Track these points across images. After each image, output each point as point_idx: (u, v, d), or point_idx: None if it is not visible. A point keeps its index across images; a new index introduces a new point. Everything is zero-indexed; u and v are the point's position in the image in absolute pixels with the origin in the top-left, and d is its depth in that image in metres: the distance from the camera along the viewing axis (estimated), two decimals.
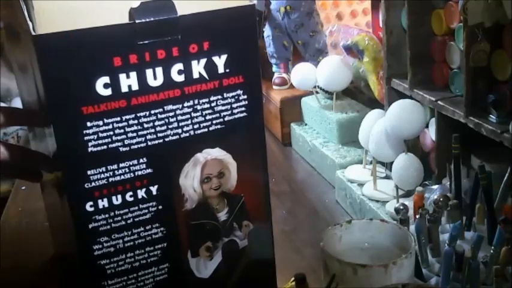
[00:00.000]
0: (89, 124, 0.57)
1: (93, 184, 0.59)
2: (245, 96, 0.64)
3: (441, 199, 0.77)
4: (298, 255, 0.92)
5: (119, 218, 0.61)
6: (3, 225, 1.05)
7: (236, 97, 0.64)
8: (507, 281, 0.63)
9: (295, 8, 1.37)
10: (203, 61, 0.61)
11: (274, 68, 1.46)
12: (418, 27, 0.93)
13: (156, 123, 0.60)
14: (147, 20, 0.57)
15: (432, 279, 0.70)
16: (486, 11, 0.76)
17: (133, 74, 0.58)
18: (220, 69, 0.62)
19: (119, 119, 0.59)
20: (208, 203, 0.66)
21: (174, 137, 0.62)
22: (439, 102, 0.88)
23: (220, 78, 0.62)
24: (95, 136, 0.58)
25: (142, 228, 0.63)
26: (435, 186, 0.86)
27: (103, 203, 0.60)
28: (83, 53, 0.55)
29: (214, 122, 0.63)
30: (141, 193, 0.62)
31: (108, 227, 0.61)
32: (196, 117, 0.62)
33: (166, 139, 0.61)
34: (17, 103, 1.52)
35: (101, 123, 0.58)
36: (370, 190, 1.00)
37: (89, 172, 0.59)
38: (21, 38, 0.63)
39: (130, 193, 0.61)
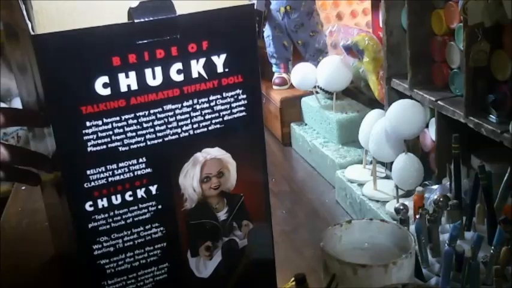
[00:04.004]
0: (88, 124, 0.57)
1: (92, 184, 0.59)
2: (244, 96, 0.64)
3: (441, 199, 0.77)
4: (298, 255, 0.92)
5: (119, 218, 0.61)
6: (3, 225, 1.05)
7: (235, 96, 0.64)
8: (507, 281, 0.63)
9: (295, 8, 1.37)
10: (202, 60, 0.61)
11: (274, 68, 1.46)
12: (418, 27, 0.93)
13: (156, 122, 0.60)
14: (146, 19, 0.57)
15: (432, 279, 0.70)
16: (486, 11, 0.76)
17: (132, 74, 0.58)
18: (220, 69, 0.62)
19: (118, 118, 0.58)
20: (208, 202, 0.66)
21: (174, 137, 0.62)
22: (439, 102, 0.88)
23: (220, 77, 0.62)
24: (94, 136, 0.58)
25: (142, 228, 0.63)
26: (435, 186, 0.85)
27: (102, 203, 0.60)
28: (82, 52, 0.55)
29: (213, 121, 0.63)
30: (140, 193, 0.62)
31: (108, 226, 0.61)
32: (196, 116, 0.62)
33: (166, 139, 0.61)
34: (17, 103, 1.52)
35: (100, 122, 0.58)
36: (370, 190, 1.00)
37: (88, 172, 0.59)
38: (20, 37, 0.63)
39: (130, 193, 0.61)
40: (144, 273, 0.64)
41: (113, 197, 0.61)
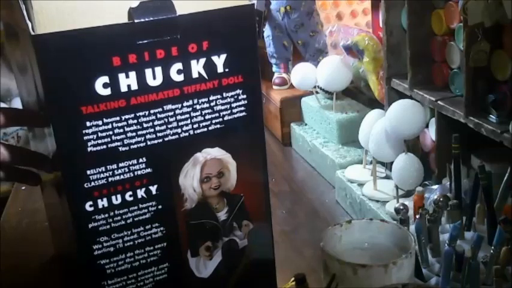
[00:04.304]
0: (88, 124, 0.57)
1: (92, 184, 0.59)
2: (244, 96, 0.64)
3: (441, 199, 0.77)
4: (298, 255, 0.92)
5: (119, 218, 0.61)
6: (3, 225, 1.05)
7: (235, 97, 0.64)
8: (507, 281, 0.63)
9: (295, 8, 1.37)
10: (202, 61, 0.61)
11: (274, 68, 1.46)
12: (418, 27, 0.93)
13: (156, 122, 0.60)
14: (146, 19, 0.57)
15: (432, 279, 0.70)
16: (486, 11, 0.76)
17: (132, 74, 0.58)
18: (220, 69, 0.62)
19: (118, 118, 0.58)
20: (208, 202, 0.66)
21: (174, 137, 0.62)
22: (439, 102, 0.88)
23: (220, 77, 0.62)
24: (95, 136, 0.58)
25: (142, 228, 0.63)
26: (435, 186, 0.85)
27: (103, 203, 0.60)
28: (82, 52, 0.55)
29: (213, 121, 0.63)
30: (140, 193, 0.62)
31: (108, 226, 0.61)
32: (196, 116, 0.62)
33: (166, 139, 0.61)
34: (17, 103, 1.52)
35: (100, 122, 0.58)
36: (370, 190, 1.00)
37: (88, 172, 0.59)
38: (20, 37, 0.63)
39: (130, 193, 0.61)
40: (144, 273, 0.64)
41: (113, 197, 0.61)
